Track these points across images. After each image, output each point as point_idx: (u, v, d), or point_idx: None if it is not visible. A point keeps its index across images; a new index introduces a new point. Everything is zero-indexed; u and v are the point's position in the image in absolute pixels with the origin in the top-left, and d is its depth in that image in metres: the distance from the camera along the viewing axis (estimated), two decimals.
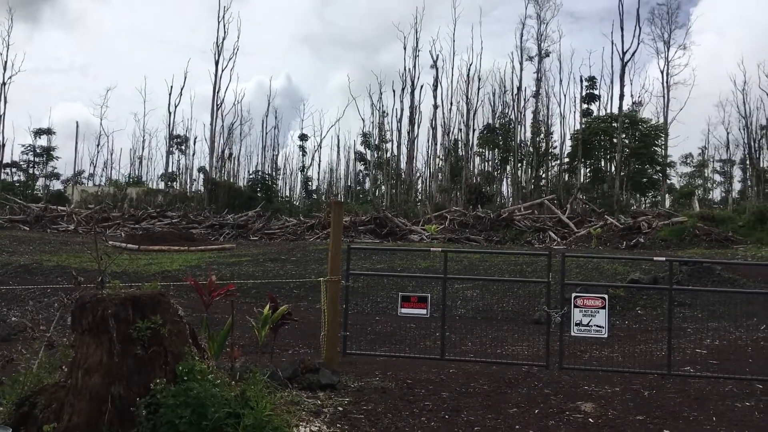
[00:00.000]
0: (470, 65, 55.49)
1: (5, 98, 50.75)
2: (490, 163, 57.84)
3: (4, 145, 51.90)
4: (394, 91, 56.49)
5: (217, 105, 51.15)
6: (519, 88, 52.99)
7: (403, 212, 38.06)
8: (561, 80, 77.05)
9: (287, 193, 63.43)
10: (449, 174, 51.97)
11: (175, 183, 60.06)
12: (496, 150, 55.95)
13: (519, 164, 52.91)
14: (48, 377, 4.96)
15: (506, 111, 56.55)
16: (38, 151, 61.09)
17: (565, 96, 76.93)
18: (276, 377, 5.75)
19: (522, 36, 53.48)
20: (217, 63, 50.40)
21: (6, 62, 51.46)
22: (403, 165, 55.68)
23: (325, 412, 5.23)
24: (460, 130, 55.12)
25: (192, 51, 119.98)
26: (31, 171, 61.35)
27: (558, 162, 55.51)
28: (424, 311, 7.27)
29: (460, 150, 55.08)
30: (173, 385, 4.41)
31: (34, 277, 17.27)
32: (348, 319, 7.61)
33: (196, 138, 72.01)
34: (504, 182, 57.05)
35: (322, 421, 4.97)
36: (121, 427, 4.30)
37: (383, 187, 58.33)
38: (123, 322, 4.48)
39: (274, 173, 59.53)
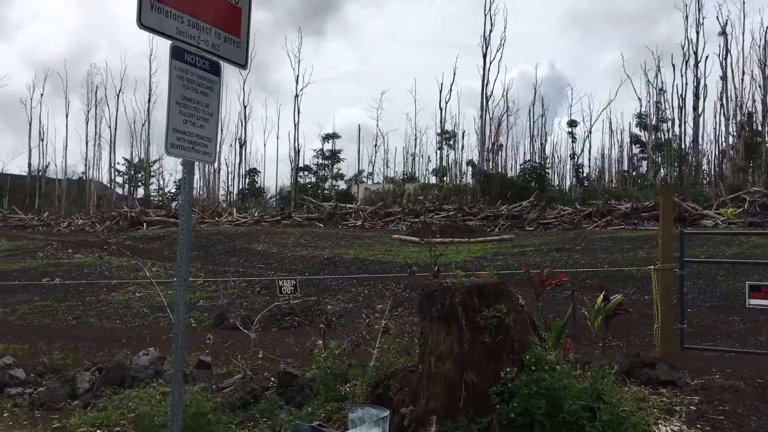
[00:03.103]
0: (767, 28, 48.98)
1: (299, 109, 56.64)
2: None
3: (299, 151, 58.14)
4: (673, 65, 51.92)
5: (486, 98, 51.79)
6: None
7: (690, 196, 34.91)
8: None
9: (556, 182, 62.03)
10: (743, 152, 46.50)
11: (445, 177, 62.03)
12: None
13: None
14: (397, 362, 5.23)
15: None
16: (326, 154, 67.36)
17: None
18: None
19: None
20: (484, 56, 50.92)
21: (298, 76, 57.50)
22: (684, 145, 51.26)
23: (677, 410, 4.81)
24: (755, 101, 49.12)
25: (458, 48, 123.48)
26: (321, 173, 67.88)
27: None
28: None
29: (756, 124, 49.02)
30: (522, 374, 4.36)
31: (337, 269, 18.88)
32: (685, 310, 7.02)
33: (464, 132, 73.55)
34: None
35: (679, 420, 4.57)
36: (475, 413, 4.35)
37: (662, 170, 54.26)
38: (470, 310, 4.54)
39: (543, 162, 58.61)
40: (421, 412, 4.49)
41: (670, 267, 6.17)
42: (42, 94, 62.50)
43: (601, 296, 5.57)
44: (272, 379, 6.12)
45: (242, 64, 3.93)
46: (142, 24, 3.39)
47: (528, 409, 4.14)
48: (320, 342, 6.04)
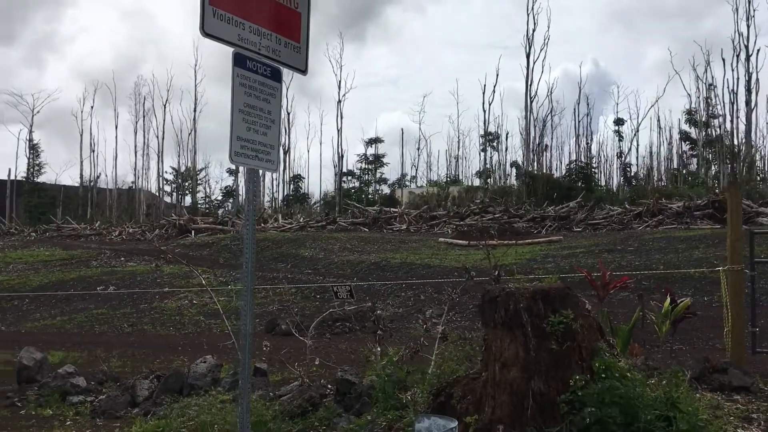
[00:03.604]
0: None
1: (341, 114, 56.89)
2: None
3: (342, 156, 58.44)
4: (723, 59, 50.43)
5: (530, 98, 51.24)
6: None
7: (745, 192, 33.86)
8: None
9: (603, 181, 60.90)
10: None
11: (489, 179, 61.48)
12: None
13: None
14: (458, 369, 5.12)
15: None
16: (369, 158, 67.53)
17: None
18: None
19: None
20: (527, 56, 50.36)
21: (340, 82, 57.76)
22: (736, 140, 49.85)
23: (754, 418, 4.60)
24: None
25: (501, 49, 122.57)
26: (365, 177, 68.01)
27: None
28: None
29: None
30: (593, 382, 4.21)
31: (385, 273, 18.76)
32: (756, 313, 6.74)
33: (507, 133, 72.68)
34: None
35: (758, 429, 4.36)
36: (543, 422, 4.21)
37: (713, 167, 52.86)
38: (535, 316, 4.41)
39: (589, 161, 57.65)
40: (486, 421, 4.37)
41: (740, 268, 5.93)
42: (92, 107, 63.98)
43: (668, 300, 5.37)
44: (329, 386, 6.06)
45: (302, 70, 3.88)
46: (205, 32, 3.36)
47: (601, 419, 3.99)
48: (378, 348, 5.97)
